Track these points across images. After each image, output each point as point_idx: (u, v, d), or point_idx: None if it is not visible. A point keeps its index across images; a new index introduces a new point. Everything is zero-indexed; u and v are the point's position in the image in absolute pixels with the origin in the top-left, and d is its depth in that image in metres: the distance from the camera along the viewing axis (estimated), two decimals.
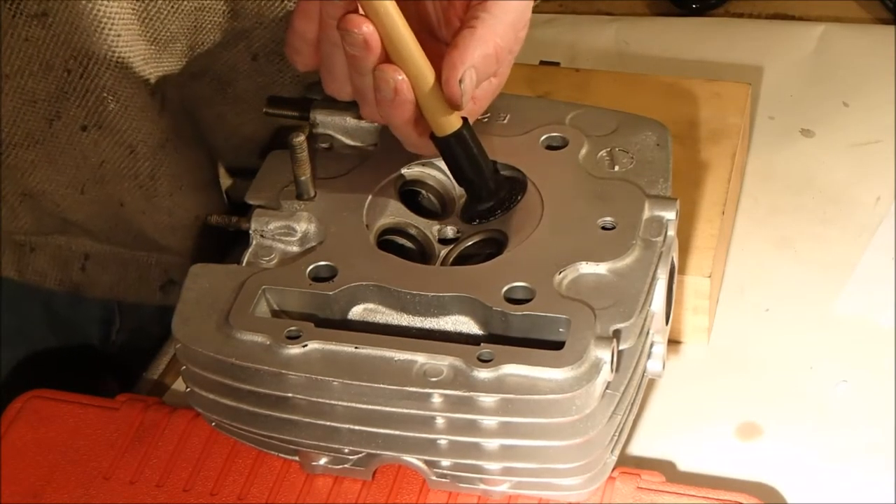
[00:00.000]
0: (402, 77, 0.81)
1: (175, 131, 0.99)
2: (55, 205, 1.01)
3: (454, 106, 0.83)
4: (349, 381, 0.79)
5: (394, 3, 0.80)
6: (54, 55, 0.93)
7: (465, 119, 0.84)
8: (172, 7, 0.94)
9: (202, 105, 1.01)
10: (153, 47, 0.95)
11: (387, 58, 0.81)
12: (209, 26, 0.96)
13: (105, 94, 0.94)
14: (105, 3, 0.90)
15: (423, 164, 0.90)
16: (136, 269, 1.08)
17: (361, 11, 0.81)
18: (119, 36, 0.92)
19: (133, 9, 0.92)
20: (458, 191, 0.90)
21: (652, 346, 0.88)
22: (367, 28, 0.80)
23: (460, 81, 0.81)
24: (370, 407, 0.80)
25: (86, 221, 1.03)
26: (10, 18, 0.91)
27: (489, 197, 0.87)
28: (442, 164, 0.88)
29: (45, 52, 0.93)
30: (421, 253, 0.88)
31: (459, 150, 0.85)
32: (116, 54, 0.93)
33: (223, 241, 1.05)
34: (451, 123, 0.84)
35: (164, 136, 0.98)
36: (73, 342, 1.15)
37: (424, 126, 0.85)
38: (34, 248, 1.06)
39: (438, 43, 0.87)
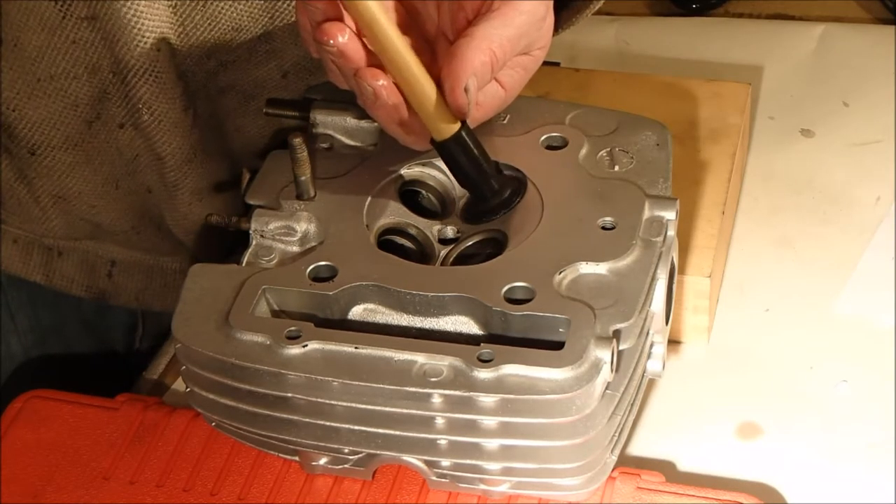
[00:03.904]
0: (381, 83, 0.81)
1: (202, 147, 0.99)
2: (90, 206, 1.01)
3: (460, 114, 0.82)
4: (349, 381, 0.79)
5: (380, 8, 0.79)
6: (101, 57, 0.92)
7: (463, 121, 0.84)
8: (210, 24, 0.93)
9: (224, 117, 1.01)
10: (188, 62, 0.94)
11: (376, 60, 0.81)
12: (244, 45, 0.96)
13: (140, 106, 0.94)
14: (147, 17, 0.90)
15: (423, 165, 0.90)
16: (161, 276, 1.08)
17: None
18: (159, 51, 0.92)
19: (172, 22, 0.92)
20: (458, 191, 0.90)
21: (652, 346, 0.88)
22: (342, 38, 0.80)
23: (465, 90, 0.81)
24: (370, 407, 0.80)
25: (116, 221, 1.03)
26: (58, 20, 0.91)
27: (493, 197, 0.87)
28: (442, 164, 0.88)
29: (93, 55, 0.92)
30: (421, 253, 0.88)
31: (460, 153, 0.85)
32: (155, 68, 0.92)
33: (237, 243, 1.04)
34: (450, 127, 0.84)
35: (192, 152, 0.98)
36: (99, 348, 1.15)
37: (414, 125, 0.84)
38: (62, 252, 1.06)
39: (449, 44, 0.87)
